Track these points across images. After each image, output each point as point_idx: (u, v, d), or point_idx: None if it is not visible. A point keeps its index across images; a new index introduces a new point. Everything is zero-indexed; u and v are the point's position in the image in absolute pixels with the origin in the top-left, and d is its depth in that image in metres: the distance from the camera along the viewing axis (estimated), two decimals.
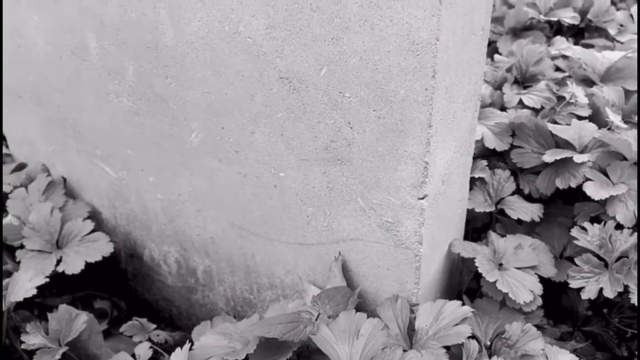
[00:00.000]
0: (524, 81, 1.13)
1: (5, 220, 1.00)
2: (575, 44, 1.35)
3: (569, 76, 1.09)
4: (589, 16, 1.36)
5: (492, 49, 1.31)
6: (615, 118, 0.89)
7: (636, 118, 0.98)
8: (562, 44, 1.21)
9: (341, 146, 0.72)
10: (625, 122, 0.99)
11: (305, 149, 0.76)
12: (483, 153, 0.98)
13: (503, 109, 1.08)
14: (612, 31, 1.34)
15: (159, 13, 0.76)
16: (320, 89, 0.70)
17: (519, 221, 0.91)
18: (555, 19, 1.31)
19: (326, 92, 0.70)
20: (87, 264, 0.95)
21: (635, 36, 1.32)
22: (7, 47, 0.98)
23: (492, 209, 0.91)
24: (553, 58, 1.15)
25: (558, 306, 0.93)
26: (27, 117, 1.05)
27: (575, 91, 0.94)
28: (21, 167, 1.10)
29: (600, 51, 1.24)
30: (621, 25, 1.41)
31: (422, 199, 0.70)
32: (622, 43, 1.32)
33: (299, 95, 0.72)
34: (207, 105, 0.81)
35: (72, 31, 0.87)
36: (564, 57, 1.15)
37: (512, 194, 0.93)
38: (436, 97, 0.63)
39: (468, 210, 0.89)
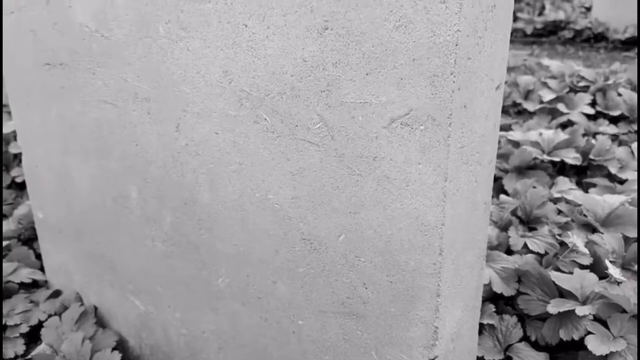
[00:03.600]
0: (529, 222, 1.20)
1: (38, 349, 1.06)
2: (578, 182, 1.43)
3: (572, 220, 1.17)
4: (591, 155, 1.45)
5: (498, 185, 1.40)
6: (614, 271, 0.95)
7: (636, 266, 1.03)
8: (564, 185, 1.30)
9: (357, 303, 0.79)
10: (626, 270, 1.04)
11: (323, 301, 0.82)
12: (491, 296, 1.04)
13: (509, 250, 1.15)
14: (612, 169, 1.42)
15: (197, 177, 0.86)
16: (338, 252, 0.78)
17: None
18: (558, 159, 1.40)
19: (343, 255, 0.77)
20: None
21: (635, 176, 1.40)
22: (53, 187, 1.09)
23: (501, 356, 0.95)
24: (556, 201, 1.23)
25: None
26: (66, 249, 1.14)
27: (576, 242, 1.01)
28: (56, 294, 1.17)
29: (601, 192, 1.32)
30: (620, 160, 1.50)
31: (433, 359, 0.75)
32: (621, 183, 1.41)
33: (319, 255, 0.80)
34: (234, 255, 0.89)
35: (116, 182, 0.97)
36: (567, 200, 1.22)
37: (520, 340, 0.97)
38: (444, 270, 0.70)
39: (478, 357, 0.94)
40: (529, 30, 5.35)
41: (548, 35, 5.39)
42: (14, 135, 1.88)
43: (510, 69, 2.35)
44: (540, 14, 6.02)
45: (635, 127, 1.81)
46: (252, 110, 0.77)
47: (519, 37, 5.55)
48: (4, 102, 2.07)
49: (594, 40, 5.04)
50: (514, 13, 5.85)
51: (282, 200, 0.80)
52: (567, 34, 5.09)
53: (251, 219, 0.84)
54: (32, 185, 1.13)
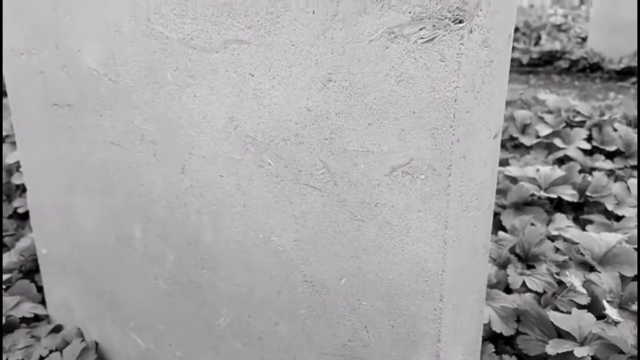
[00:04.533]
0: (527, 260, 1.22)
1: None
2: (575, 218, 1.45)
3: (570, 258, 1.18)
4: (587, 192, 1.47)
5: (497, 221, 1.42)
6: (612, 312, 0.96)
7: (634, 306, 1.04)
8: (561, 222, 1.31)
9: (358, 346, 0.80)
10: (623, 309, 1.05)
11: (324, 343, 0.83)
12: (490, 336, 1.05)
13: (508, 288, 1.16)
14: (609, 206, 1.44)
15: (201, 218, 0.87)
16: (340, 294, 0.79)
17: None
18: (555, 195, 1.42)
19: (345, 298, 0.78)
20: None
21: (630, 215, 1.42)
22: (57, 224, 1.10)
23: None
24: (553, 238, 1.25)
25: None
26: (68, 285, 1.15)
27: (574, 282, 1.02)
28: (58, 329, 1.18)
29: (598, 229, 1.33)
30: (616, 197, 1.52)
31: None
32: (618, 220, 1.42)
33: (321, 297, 0.81)
34: (236, 295, 0.90)
35: (120, 221, 0.98)
36: (564, 238, 1.24)
37: None
38: (444, 316, 0.71)
39: None
40: (525, 60, 5.43)
41: (544, 65, 5.46)
42: (17, 166, 1.90)
43: (507, 103, 2.39)
44: (537, 43, 6.11)
45: (631, 162, 1.83)
46: (257, 154, 0.78)
47: (515, 67, 5.62)
48: (7, 132, 2.10)
49: (589, 70, 5.11)
50: None
51: (284, 242, 0.81)
52: (563, 63, 5.16)
53: (254, 259, 0.85)
54: (36, 221, 1.14)
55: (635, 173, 1.79)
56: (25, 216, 1.78)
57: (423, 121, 0.64)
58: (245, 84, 0.75)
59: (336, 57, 0.67)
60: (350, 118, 0.69)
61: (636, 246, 1.22)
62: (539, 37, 6.38)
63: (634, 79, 4.68)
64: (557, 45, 5.36)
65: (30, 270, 1.49)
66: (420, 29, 0.59)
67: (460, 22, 0.57)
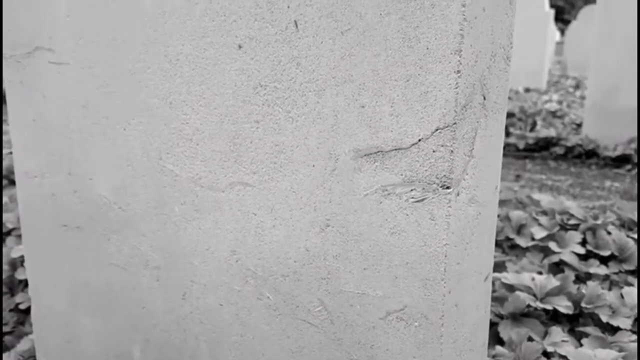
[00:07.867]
0: None
1: None
2: (571, 330, 1.46)
3: None
4: (582, 303, 1.48)
5: (494, 332, 1.42)
6: None
7: None
8: (557, 336, 1.32)
9: None
10: None
11: None
12: None
13: None
14: (604, 317, 1.45)
15: (199, 344, 0.89)
16: None
17: None
18: (550, 307, 1.43)
19: None
20: None
21: (625, 325, 1.43)
22: (59, 338, 1.11)
23: None
24: (549, 355, 1.25)
25: None
26: None
27: None
28: None
29: (594, 344, 1.34)
30: (611, 307, 1.53)
31: None
32: (614, 331, 1.43)
33: None
34: None
35: (120, 340, 1.00)
36: (560, 355, 1.24)
37: None
38: None
39: None
40: (521, 145, 5.54)
41: (540, 150, 5.57)
42: (21, 260, 1.92)
43: (502, 202, 2.44)
44: (532, 129, 6.27)
45: (625, 266, 1.86)
46: (256, 287, 0.81)
47: (511, 152, 5.74)
48: (14, 225, 2.13)
49: (585, 156, 5.20)
50: (506, 127, 6.10)
51: None
52: (559, 150, 5.26)
53: None
54: (38, 333, 1.15)
55: (630, 278, 1.80)
56: (27, 311, 1.77)
57: (415, 271, 0.67)
58: (248, 222, 0.79)
59: (334, 206, 0.71)
60: (346, 261, 0.72)
61: None
62: (534, 123, 6.55)
63: (630, 166, 4.77)
64: (552, 132, 5.49)
65: None
66: (411, 190, 0.64)
67: (448, 187, 0.62)
